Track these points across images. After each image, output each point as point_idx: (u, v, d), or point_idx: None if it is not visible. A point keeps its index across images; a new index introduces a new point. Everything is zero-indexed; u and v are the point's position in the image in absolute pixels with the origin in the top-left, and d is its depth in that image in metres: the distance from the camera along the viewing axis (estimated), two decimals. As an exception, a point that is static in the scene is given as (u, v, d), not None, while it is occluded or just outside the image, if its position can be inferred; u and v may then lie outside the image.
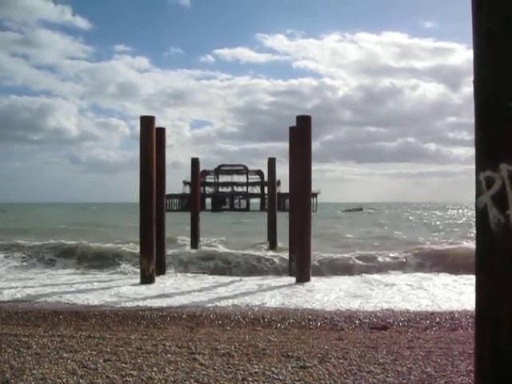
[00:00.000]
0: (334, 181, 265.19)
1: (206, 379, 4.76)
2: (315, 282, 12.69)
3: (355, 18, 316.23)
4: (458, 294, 10.97)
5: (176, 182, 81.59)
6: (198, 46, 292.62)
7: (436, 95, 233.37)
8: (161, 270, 13.97)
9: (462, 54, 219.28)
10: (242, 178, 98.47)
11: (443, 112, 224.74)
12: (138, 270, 13.23)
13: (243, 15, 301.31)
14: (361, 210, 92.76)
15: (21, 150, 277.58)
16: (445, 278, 13.28)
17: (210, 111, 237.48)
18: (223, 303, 10.11)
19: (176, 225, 25.80)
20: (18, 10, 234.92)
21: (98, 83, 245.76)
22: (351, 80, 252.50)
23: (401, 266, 15.84)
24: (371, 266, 15.72)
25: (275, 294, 11.38)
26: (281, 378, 4.79)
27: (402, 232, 33.70)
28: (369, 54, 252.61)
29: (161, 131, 14.55)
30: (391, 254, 17.17)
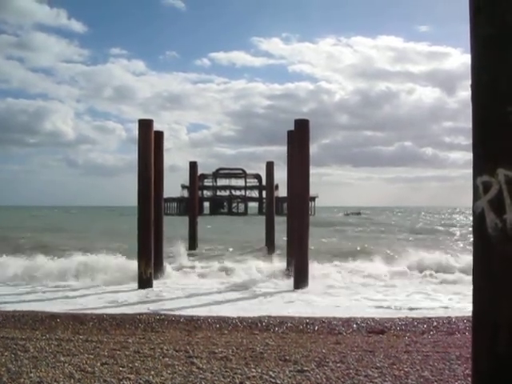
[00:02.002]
0: (332, 185, 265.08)
1: (203, 383, 4.75)
2: (313, 285, 12.68)
3: (350, 22, 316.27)
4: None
5: (173, 185, 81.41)
6: (193, 49, 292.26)
7: (432, 99, 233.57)
8: (159, 274, 13.95)
9: (458, 58, 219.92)
10: (240, 182, 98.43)
11: (439, 116, 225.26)
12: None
13: (238, 19, 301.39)
14: (359, 214, 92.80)
15: (18, 153, 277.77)
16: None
17: (206, 115, 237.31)
18: (221, 307, 10.10)
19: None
20: (14, 13, 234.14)
21: (94, 86, 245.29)
22: (347, 84, 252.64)
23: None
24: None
25: (273, 297, 11.39)
26: (278, 382, 4.79)
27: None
28: (364, 57, 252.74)
29: (159, 135, 14.56)
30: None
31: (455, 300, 11.01)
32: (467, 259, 15.59)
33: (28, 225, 44.90)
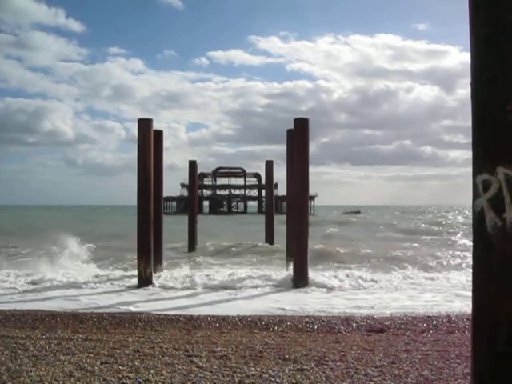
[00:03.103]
0: (331, 183, 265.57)
1: (203, 382, 4.76)
2: (313, 283, 12.68)
3: (348, 20, 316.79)
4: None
5: (172, 184, 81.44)
6: (191, 48, 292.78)
7: (431, 98, 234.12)
8: (158, 273, 13.96)
9: (456, 57, 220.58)
10: (240, 181, 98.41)
11: (438, 115, 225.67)
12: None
13: (236, 18, 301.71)
14: (358, 212, 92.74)
15: (17, 153, 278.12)
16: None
17: (205, 114, 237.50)
18: (220, 306, 10.10)
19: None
20: (12, 12, 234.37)
21: (93, 85, 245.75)
22: (346, 82, 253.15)
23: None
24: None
25: (273, 296, 11.38)
26: (278, 380, 4.79)
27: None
28: (363, 56, 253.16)
29: (158, 134, 14.55)
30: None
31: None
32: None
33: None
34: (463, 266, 16.48)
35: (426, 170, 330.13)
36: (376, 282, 13.44)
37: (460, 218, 61.43)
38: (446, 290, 12.08)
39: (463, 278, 13.50)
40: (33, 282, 13.39)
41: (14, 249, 21.83)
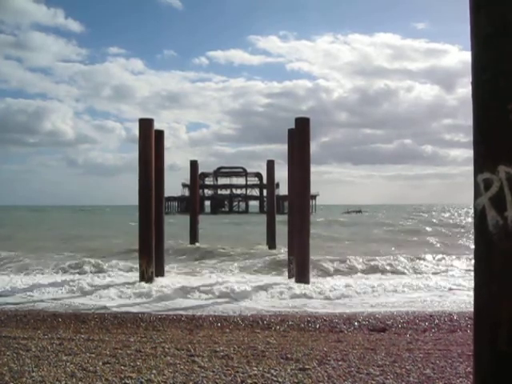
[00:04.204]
0: (333, 183, 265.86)
1: (205, 381, 4.75)
2: (314, 282, 12.68)
3: (347, 19, 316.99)
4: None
5: (172, 184, 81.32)
6: (191, 48, 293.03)
7: (431, 97, 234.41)
8: (160, 272, 13.96)
9: (455, 56, 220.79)
10: (241, 181, 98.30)
11: (439, 113, 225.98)
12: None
13: (236, 18, 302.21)
14: (359, 212, 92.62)
15: (18, 153, 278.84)
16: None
17: (205, 113, 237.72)
18: (222, 305, 10.10)
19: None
20: (11, 13, 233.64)
21: (93, 86, 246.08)
22: (346, 82, 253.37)
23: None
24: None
25: (274, 295, 11.37)
26: (280, 380, 4.79)
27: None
28: (362, 55, 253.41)
29: (159, 134, 14.55)
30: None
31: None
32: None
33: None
34: (446, 266, 16.24)
35: (427, 169, 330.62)
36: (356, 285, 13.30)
37: (457, 218, 61.36)
38: (430, 290, 12.00)
39: (444, 279, 13.56)
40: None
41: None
